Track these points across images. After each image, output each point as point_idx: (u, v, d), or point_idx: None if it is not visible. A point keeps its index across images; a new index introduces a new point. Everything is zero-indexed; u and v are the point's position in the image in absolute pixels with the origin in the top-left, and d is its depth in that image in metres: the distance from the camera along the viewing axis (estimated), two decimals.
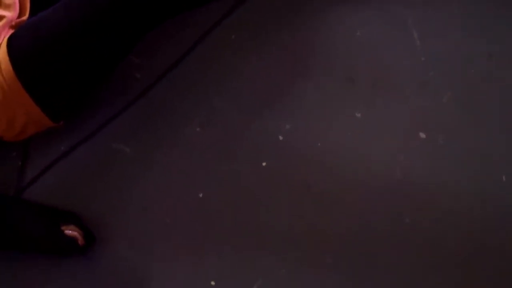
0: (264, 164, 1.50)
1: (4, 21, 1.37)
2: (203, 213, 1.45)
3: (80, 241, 1.35)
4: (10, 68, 1.30)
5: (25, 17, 1.40)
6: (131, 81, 1.58)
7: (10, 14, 1.38)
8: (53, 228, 1.34)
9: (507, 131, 1.56)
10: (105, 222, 1.42)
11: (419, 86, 1.59)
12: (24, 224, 1.35)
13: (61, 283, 1.37)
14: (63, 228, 1.34)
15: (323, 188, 1.48)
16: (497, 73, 1.62)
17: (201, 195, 1.46)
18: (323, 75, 1.58)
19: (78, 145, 1.50)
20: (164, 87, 1.56)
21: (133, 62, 1.61)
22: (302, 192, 1.48)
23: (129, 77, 1.59)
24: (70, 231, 1.34)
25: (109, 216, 1.43)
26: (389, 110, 1.57)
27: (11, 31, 1.35)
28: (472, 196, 1.48)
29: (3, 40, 1.33)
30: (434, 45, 1.54)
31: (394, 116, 1.56)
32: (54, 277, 1.37)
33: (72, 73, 1.36)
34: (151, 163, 1.49)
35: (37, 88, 1.33)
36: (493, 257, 1.42)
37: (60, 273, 1.37)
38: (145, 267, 1.39)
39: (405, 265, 1.41)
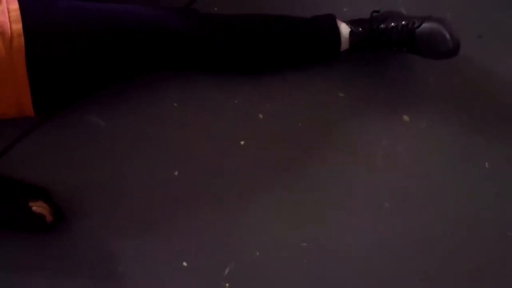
0: (242, 142, 1.46)
1: None
2: (178, 192, 1.41)
3: (48, 218, 1.30)
4: (23, 45, 1.27)
5: None
6: None
7: None
8: (20, 204, 1.30)
9: (492, 118, 1.53)
10: (76, 198, 1.38)
11: (403, 68, 1.55)
12: None
13: (28, 261, 1.33)
14: (31, 204, 1.30)
15: (302, 169, 1.45)
16: (486, 54, 1.59)
17: (176, 172, 1.42)
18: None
19: (51, 117, 1.45)
20: None
21: None
22: (281, 173, 1.44)
23: None
24: (37, 208, 1.30)
25: (80, 193, 1.39)
26: (373, 91, 1.53)
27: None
28: (455, 183, 1.45)
29: (1, 3, 1.29)
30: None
31: (377, 97, 1.53)
32: (21, 254, 1.33)
33: (76, 78, 1.36)
34: (126, 139, 1.45)
35: (40, 79, 1.31)
36: (475, 246, 1.40)
37: (27, 250, 1.33)
38: (116, 246, 1.36)
39: (381, 251, 1.39)
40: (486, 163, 1.47)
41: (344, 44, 1.48)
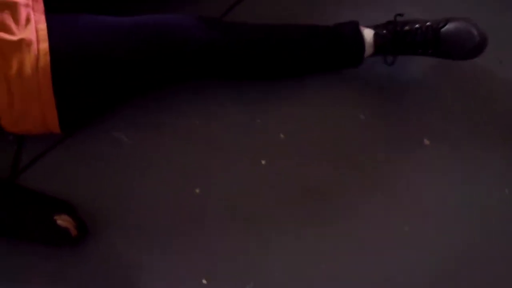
0: (263, 162, 1.48)
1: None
2: (199, 210, 1.43)
3: (73, 232, 1.32)
4: (48, 64, 1.29)
5: None
6: None
7: None
8: (46, 217, 1.32)
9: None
10: (99, 213, 1.40)
11: (424, 89, 1.56)
12: (16, 211, 1.33)
13: (50, 274, 1.35)
14: (56, 217, 1.32)
15: (323, 191, 1.46)
16: (508, 78, 1.59)
17: (198, 190, 1.44)
18: (329, 75, 1.55)
19: (76, 131, 1.47)
20: None
21: None
22: (302, 194, 1.45)
23: None
24: (62, 222, 1.32)
25: (103, 207, 1.41)
26: (394, 114, 1.54)
27: (39, 15, 1.33)
28: (475, 207, 1.46)
29: (30, 22, 1.31)
30: None
31: (399, 121, 1.53)
32: (43, 267, 1.35)
33: (101, 95, 1.38)
34: (149, 155, 1.47)
35: (65, 97, 1.33)
36: (495, 268, 1.41)
37: (50, 264, 1.35)
38: (137, 262, 1.37)
39: (401, 273, 1.39)
40: (506, 189, 1.48)
41: (368, 49, 1.47)
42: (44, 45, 1.29)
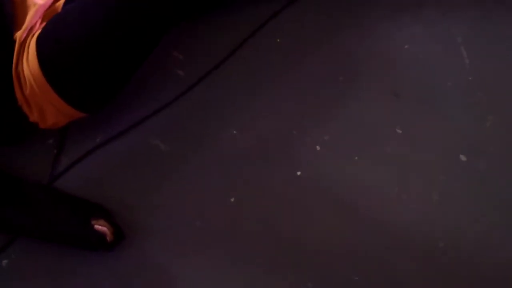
0: (299, 173, 1.48)
1: (36, 7, 1.36)
2: (234, 219, 1.43)
3: (109, 237, 1.34)
4: (36, 62, 1.30)
5: (59, 3, 1.39)
6: (174, 78, 1.57)
7: (42, 2, 1.38)
8: (83, 222, 1.34)
9: None
10: (135, 219, 1.41)
11: (464, 107, 1.55)
12: (54, 215, 1.35)
13: (84, 278, 1.36)
14: (93, 222, 1.33)
15: (357, 205, 1.46)
16: None
17: (232, 199, 1.45)
18: (368, 87, 1.56)
19: (114, 137, 1.49)
20: (205, 87, 1.54)
21: (177, 59, 1.59)
22: (336, 207, 1.45)
23: (172, 74, 1.58)
24: (99, 226, 1.33)
25: (138, 214, 1.42)
26: (431, 128, 1.54)
27: (43, 23, 1.35)
28: (510, 226, 1.45)
29: (37, 29, 1.34)
30: (483, 65, 1.50)
31: (435, 135, 1.53)
32: (78, 270, 1.37)
33: (96, 68, 1.35)
34: (185, 163, 1.48)
35: (61, 84, 1.32)
36: None
37: (84, 268, 1.37)
38: (170, 270, 1.38)
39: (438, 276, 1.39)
40: None
41: None
42: (32, 44, 1.31)
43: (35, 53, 1.30)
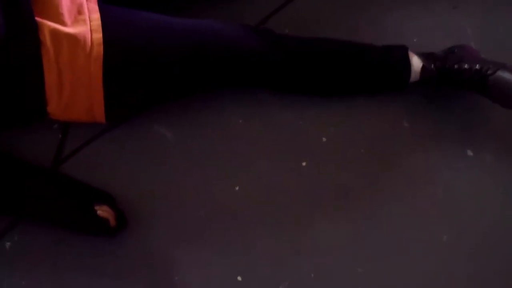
0: (304, 164, 1.47)
1: None
2: (237, 207, 1.43)
3: (112, 223, 1.34)
4: (101, 55, 1.30)
5: None
6: None
7: None
8: (86, 207, 1.34)
9: None
10: (138, 206, 1.41)
11: (469, 103, 1.54)
12: (57, 199, 1.35)
13: (86, 262, 1.37)
14: (96, 207, 1.33)
15: (361, 196, 1.45)
16: None
17: (237, 188, 1.44)
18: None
19: (120, 123, 1.48)
20: None
21: None
22: (339, 198, 1.45)
23: None
24: (102, 212, 1.33)
25: (142, 200, 1.42)
26: (437, 124, 1.53)
27: (92, 5, 1.35)
28: None
29: (83, 11, 1.33)
30: (493, 58, 1.48)
31: (442, 131, 1.52)
32: (80, 254, 1.37)
33: (148, 90, 1.40)
34: (191, 151, 1.47)
35: (113, 89, 1.34)
36: None
37: (86, 252, 1.37)
38: (174, 255, 1.38)
39: (439, 281, 1.38)
40: None
41: (414, 76, 1.48)
42: (98, 36, 1.31)
43: (101, 53, 1.30)
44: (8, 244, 1.38)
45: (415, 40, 1.59)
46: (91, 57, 1.30)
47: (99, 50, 1.30)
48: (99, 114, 1.38)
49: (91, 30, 1.31)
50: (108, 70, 1.32)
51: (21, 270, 1.37)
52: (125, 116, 1.47)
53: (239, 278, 1.37)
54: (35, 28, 1.26)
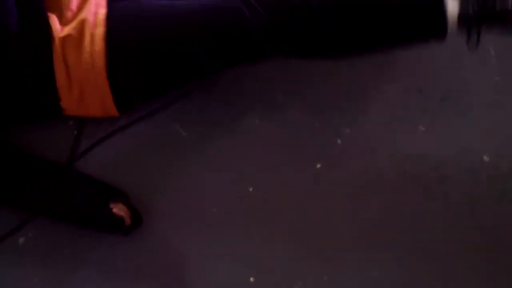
0: (318, 166, 1.47)
1: None
2: (251, 207, 1.43)
3: (127, 221, 1.34)
4: (103, 49, 1.29)
5: None
6: None
7: None
8: (102, 205, 1.34)
9: None
10: (153, 204, 1.41)
11: (489, 107, 1.53)
12: (72, 196, 1.35)
13: (98, 258, 1.37)
14: (111, 205, 1.33)
15: (377, 198, 1.44)
16: None
17: (251, 189, 1.44)
18: (392, 83, 1.54)
19: (135, 121, 1.48)
20: (230, 76, 1.52)
21: None
22: (355, 199, 1.44)
23: None
24: (118, 210, 1.33)
25: (157, 198, 1.42)
26: (454, 127, 1.52)
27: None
28: None
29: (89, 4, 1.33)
30: (511, 65, 1.48)
31: (459, 135, 1.51)
32: (93, 251, 1.37)
33: (155, 77, 1.37)
34: (205, 150, 1.47)
35: (119, 78, 1.33)
36: None
37: (99, 249, 1.37)
38: (187, 254, 1.38)
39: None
40: None
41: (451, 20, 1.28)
42: (100, 30, 1.30)
43: (103, 48, 1.29)
44: (21, 239, 1.38)
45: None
46: (94, 51, 1.29)
47: (101, 44, 1.29)
48: (111, 107, 1.37)
49: (94, 25, 1.30)
50: (112, 63, 1.30)
51: (34, 266, 1.37)
52: (136, 106, 1.46)
53: (251, 279, 1.37)
54: (47, 24, 1.27)
